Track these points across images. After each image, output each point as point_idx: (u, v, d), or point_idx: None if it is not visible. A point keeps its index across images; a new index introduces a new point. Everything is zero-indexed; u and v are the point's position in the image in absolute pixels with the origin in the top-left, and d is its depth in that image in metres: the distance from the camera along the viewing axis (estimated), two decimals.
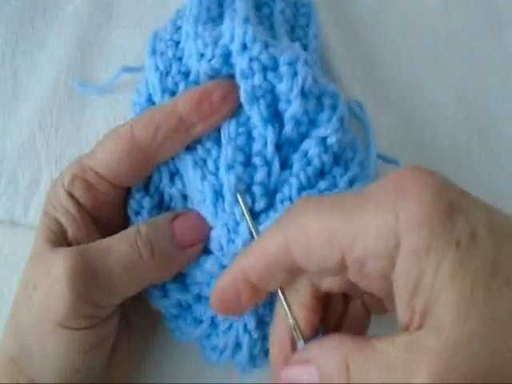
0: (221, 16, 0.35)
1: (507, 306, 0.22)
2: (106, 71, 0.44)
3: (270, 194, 0.32)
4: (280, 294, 0.29)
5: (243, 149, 0.33)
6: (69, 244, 0.32)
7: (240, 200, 0.31)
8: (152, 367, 0.39)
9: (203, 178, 0.33)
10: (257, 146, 0.33)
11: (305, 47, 0.37)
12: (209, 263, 0.33)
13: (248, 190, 0.32)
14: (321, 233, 0.25)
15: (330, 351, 0.26)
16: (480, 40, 0.46)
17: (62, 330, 0.30)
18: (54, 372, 0.31)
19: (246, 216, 0.31)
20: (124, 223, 0.35)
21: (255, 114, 0.32)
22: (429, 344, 0.22)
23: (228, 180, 0.32)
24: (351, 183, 0.33)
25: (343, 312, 0.31)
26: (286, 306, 0.29)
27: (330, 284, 0.28)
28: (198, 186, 0.33)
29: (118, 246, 0.31)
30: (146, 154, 0.33)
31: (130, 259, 0.31)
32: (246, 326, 0.33)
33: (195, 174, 0.33)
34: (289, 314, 0.29)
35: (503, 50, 0.46)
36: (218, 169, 0.33)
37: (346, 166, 0.33)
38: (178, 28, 0.37)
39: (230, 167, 0.32)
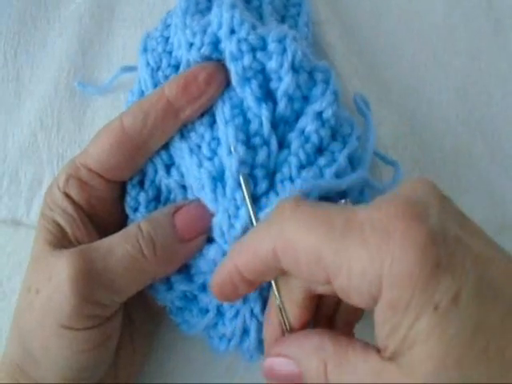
0: (209, 9, 0.36)
1: (481, 373, 0.22)
2: (107, 71, 0.44)
3: (270, 175, 0.32)
4: (273, 282, 0.30)
5: (242, 130, 0.33)
6: (69, 244, 0.32)
7: (243, 184, 0.31)
8: (156, 366, 0.39)
9: (200, 165, 0.33)
10: (253, 127, 0.32)
11: None
12: (212, 251, 0.33)
13: (250, 173, 0.32)
14: (309, 253, 0.25)
15: (310, 353, 0.27)
16: (482, 38, 0.46)
17: (65, 331, 0.30)
18: (58, 374, 0.31)
19: (248, 202, 0.31)
20: (122, 220, 0.35)
21: (248, 95, 0.32)
22: None
23: (231, 164, 0.31)
24: (350, 159, 0.33)
25: (335, 307, 0.31)
26: (276, 293, 0.30)
27: (322, 290, 0.28)
28: (195, 173, 0.33)
29: (120, 245, 0.31)
30: (137, 143, 0.33)
31: (133, 258, 0.31)
32: (252, 310, 0.33)
33: (192, 161, 0.33)
34: (277, 297, 0.30)
35: (505, 49, 0.45)
36: (213, 153, 0.33)
37: (344, 140, 0.33)
38: (168, 25, 0.37)
39: (230, 151, 0.32)
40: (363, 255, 0.24)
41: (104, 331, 0.31)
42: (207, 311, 0.35)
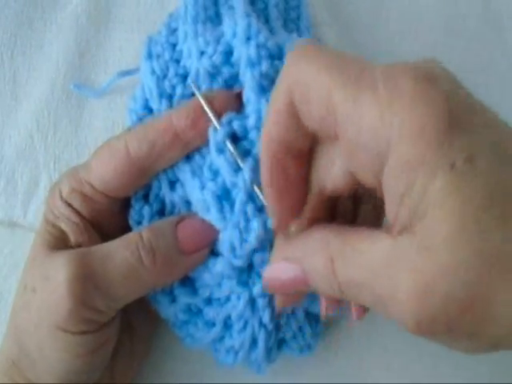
0: (217, 15, 0.35)
1: (498, 239, 0.21)
2: (104, 73, 0.44)
3: None
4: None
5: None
6: (69, 248, 0.32)
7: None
8: (154, 370, 0.39)
9: (202, 187, 0.32)
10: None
11: None
12: (219, 266, 0.32)
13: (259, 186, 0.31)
14: (320, 93, 0.24)
15: (314, 252, 0.25)
16: (480, 38, 0.46)
17: (61, 334, 0.30)
18: (53, 375, 0.31)
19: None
20: (125, 228, 0.34)
21: (263, 107, 0.31)
22: (413, 259, 0.21)
23: (244, 177, 0.31)
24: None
25: (353, 219, 0.30)
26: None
27: (333, 182, 0.26)
28: (198, 196, 0.32)
29: (119, 252, 0.31)
30: (142, 167, 0.32)
31: (131, 265, 0.31)
32: (261, 320, 0.33)
33: (194, 183, 0.32)
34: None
35: (503, 49, 0.45)
36: (215, 174, 0.32)
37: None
38: (174, 30, 0.36)
39: (239, 167, 0.31)
40: (374, 110, 0.22)
41: (100, 337, 0.31)
42: (213, 325, 0.34)
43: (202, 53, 0.34)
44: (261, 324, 0.33)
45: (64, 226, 0.33)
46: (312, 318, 0.36)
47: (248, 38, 0.32)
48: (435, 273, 0.21)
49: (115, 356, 0.34)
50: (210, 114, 0.30)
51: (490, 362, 0.39)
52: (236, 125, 0.31)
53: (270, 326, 0.33)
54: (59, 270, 0.30)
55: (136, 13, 0.45)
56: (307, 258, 0.26)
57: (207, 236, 0.32)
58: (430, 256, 0.21)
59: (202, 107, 0.32)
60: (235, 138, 0.32)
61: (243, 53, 0.32)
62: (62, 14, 0.46)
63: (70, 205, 0.33)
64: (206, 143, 0.32)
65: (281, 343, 0.35)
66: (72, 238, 0.32)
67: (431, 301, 0.21)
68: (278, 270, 0.27)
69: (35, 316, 0.31)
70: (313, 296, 0.33)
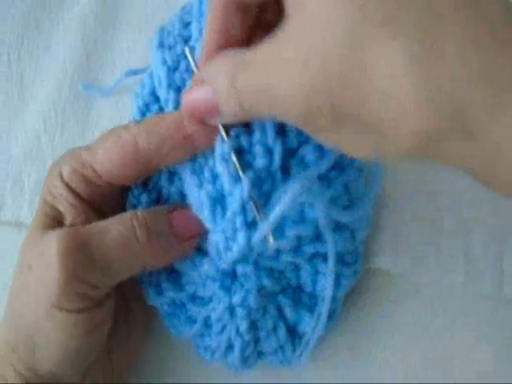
0: None
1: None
2: (111, 73, 0.44)
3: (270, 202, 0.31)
4: None
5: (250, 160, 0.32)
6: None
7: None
8: (152, 355, 0.39)
9: (200, 186, 0.32)
10: (261, 161, 0.31)
11: None
12: (205, 265, 0.33)
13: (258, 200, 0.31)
14: None
15: (219, 70, 0.27)
16: None
17: (55, 312, 0.30)
18: (50, 360, 0.31)
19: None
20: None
21: (268, 124, 0.31)
22: (294, 46, 0.23)
23: (241, 189, 0.30)
24: (346, 186, 0.33)
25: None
26: None
27: None
28: (194, 193, 0.32)
29: (114, 226, 0.31)
30: (148, 162, 0.32)
31: (125, 238, 0.31)
32: (238, 329, 0.33)
33: (192, 180, 0.33)
34: None
35: None
36: (215, 177, 0.32)
37: (342, 170, 0.33)
38: (187, 24, 0.36)
39: (239, 176, 0.31)
40: None
41: (94, 317, 0.31)
42: (194, 321, 0.35)
43: None
44: (238, 332, 0.33)
45: (61, 207, 0.33)
46: (295, 334, 0.35)
47: None
48: (311, 50, 0.23)
49: (112, 341, 0.35)
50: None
51: (490, 361, 0.39)
52: (243, 139, 0.31)
53: (247, 337, 0.33)
54: (52, 243, 0.30)
55: (143, 13, 0.45)
56: (213, 77, 0.27)
57: (199, 227, 0.33)
58: (305, 36, 0.23)
59: None
60: (240, 150, 0.32)
61: None
62: (69, 14, 0.46)
63: (69, 186, 0.33)
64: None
65: (260, 354, 0.36)
66: (68, 219, 0.32)
67: (315, 79, 0.23)
68: (194, 91, 0.29)
69: (32, 294, 0.31)
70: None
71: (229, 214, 0.31)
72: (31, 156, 0.42)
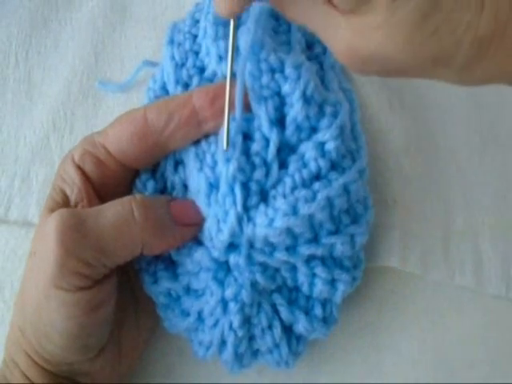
0: (238, 17, 0.35)
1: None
2: (120, 71, 0.44)
3: (264, 192, 0.32)
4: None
5: (245, 147, 0.33)
6: None
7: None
8: (160, 345, 0.39)
9: (200, 169, 0.33)
10: (257, 147, 0.32)
11: (321, 64, 0.37)
12: (199, 253, 0.33)
13: (245, 183, 0.32)
14: None
15: None
16: None
17: (54, 292, 0.30)
18: (54, 341, 0.31)
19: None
20: None
21: (262, 114, 0.33)
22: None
23: (227, 170, 0.32)
24: (346, 188, 0.33)
25: None
26: None
27: None
28: (194, 176, 0.33)
29: (111, 206, 0.32)
30: (157, 140, 0.33)
31: (122, 217, 0.31)
32: (231, 324, 0.33)
33: (194, 164, 0.33)
34: None
35: None
36: (215, 163, 0.33)
37: (343, 171, 0.33)
38: (197, 21, 0.37)
39: (229, 160, 0.32)
40: None
41: (93, 297, 0.31)
42: (188, 314, 0.35)
43: (221, 57, 0.34)
44: (231, 328, 0.33)
45: (67, 189, 0.33)
46: (293, 336, 0.35)
47: (253, 52, 0.33)
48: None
49: (121, 330, 0.35)
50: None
51: (490, 362, 0.39)
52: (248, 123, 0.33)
53: (241, 333, 0.33)
54: (50, 224, 0.30)
55: (152, 11, 0.45)
56: None
57: (197, 215, 0.33)
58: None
59: (221, 89, 0.33)
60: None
61: (247, 66, 0.33)
62: (77, 13, 0.46)
63: (80, 167, 0.33)
64: (215, 133, 0.33)
65: (256, 353, 0.36)
66: (72, 201, 0.33)
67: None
68: None
69: (35, 276, 0.31)
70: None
71: (219, 196, 0.32)
72: (39, 155, 0.42)
